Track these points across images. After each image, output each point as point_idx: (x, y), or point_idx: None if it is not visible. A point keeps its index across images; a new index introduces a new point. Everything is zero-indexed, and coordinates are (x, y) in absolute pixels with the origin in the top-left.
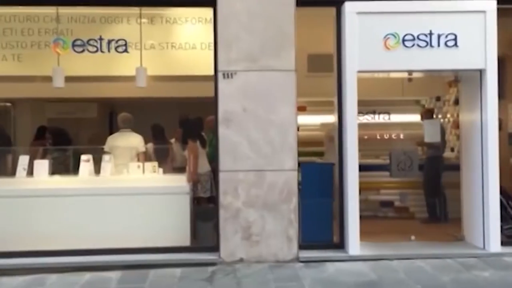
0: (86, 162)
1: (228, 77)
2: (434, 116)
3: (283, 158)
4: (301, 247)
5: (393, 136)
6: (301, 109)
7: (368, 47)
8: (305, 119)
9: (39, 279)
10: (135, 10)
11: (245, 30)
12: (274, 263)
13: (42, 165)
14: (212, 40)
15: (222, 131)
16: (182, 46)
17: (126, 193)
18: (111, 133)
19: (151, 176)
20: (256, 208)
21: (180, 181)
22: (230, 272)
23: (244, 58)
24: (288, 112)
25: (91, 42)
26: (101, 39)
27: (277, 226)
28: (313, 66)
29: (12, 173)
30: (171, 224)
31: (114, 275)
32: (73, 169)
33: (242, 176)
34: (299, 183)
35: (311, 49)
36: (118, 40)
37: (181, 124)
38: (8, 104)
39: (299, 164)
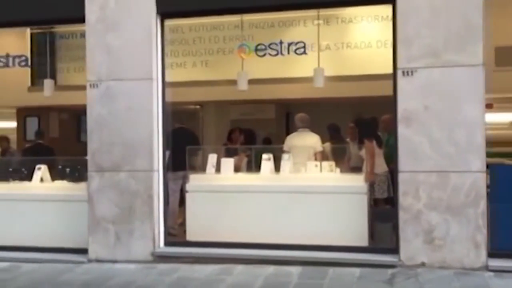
0: (267, 161)
1: (408, 74)
2: None
3: (469, 159)
4: (490, 255)
5: None
6: (488, 106)
7: None
8: (491, 117)
9: (227, 269)
10: (312, 12)
11: (427, 25)
12: (459, 270)
13: (228, 163)
14: (389, 38)
15: (401, 130)
16: (357, 45)
17: (305, 191)
18: (287, 133)
19: (329, 175)
20: (439, 211)
21: (357, 181)
22: (411, 276)
23: (426, 54)
24: (476, 109)
25: (272, 46)
26: (281, 42)
27: (463, 231)
28: (501, 59)
29: (202, 170)
30: (348, 223)
31: (294, 270)
32: (255, 167)
33: (423, 177)
34: (487, 186)
35: (499, 42)
36: (297, 42)
37: (356, 123)
38: (197, 106)
39: (487, 165)
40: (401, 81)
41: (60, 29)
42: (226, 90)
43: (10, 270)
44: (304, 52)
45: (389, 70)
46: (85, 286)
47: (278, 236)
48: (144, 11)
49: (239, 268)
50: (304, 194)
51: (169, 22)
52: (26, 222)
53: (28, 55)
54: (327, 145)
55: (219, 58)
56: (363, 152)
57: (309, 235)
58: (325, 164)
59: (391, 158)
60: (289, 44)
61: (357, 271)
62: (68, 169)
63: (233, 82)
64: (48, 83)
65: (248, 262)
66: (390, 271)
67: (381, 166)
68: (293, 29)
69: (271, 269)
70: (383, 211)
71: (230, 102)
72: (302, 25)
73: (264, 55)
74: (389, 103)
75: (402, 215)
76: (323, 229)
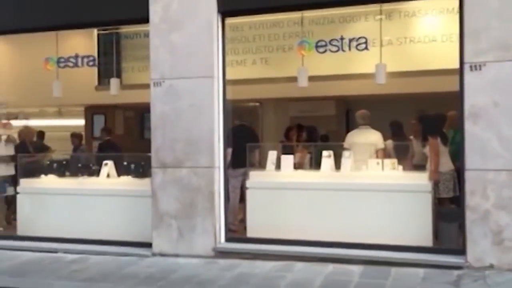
0: (327, 158)
1: (476, 69)
2: None
3: None
4: None
5: None
6: None
7: None
8: None
9: (287, 266)
10: (373, 7)
11: (497, 17)
12: None
13: (288, 160)
14: (455, 31)
15: (468, 127)
16: (421, 39)
17: (366, 189)
18: (347, 130)
19: (391, 173)
20: (509, 211)
21: (421, 179)
22: (478, 278)
23: (496, 48)
24: None
25: (333, 42)
26: (342, 38)
27: None
28: None
29: (262, 167)
30: (411, 222)
31: (356, 268)
32: (316, 164)
33: (492, 176)
34: None
35: None
36: (359, 38)
37: (420, 120)
38: (257, 104)
39: None
40: (468, 76)
41: (125, 29)
42: (286, 87)
43: (80, 261)
44: (366, 48)
45: (455, 64)
46: (149, 279)
47: (339, 234)
48: (206, 10)
49: (299, 265)
50: (365, 192)
51: (229, 21)
52: (94, 216)
53: (96, 55)
54: (389, 142)
55: (279, 55)
56: (427, 150)
57: (370, 233)
58: (387, 161)
59: (457, 156)
60: (350, 40)
61: (421, 271)
62: (133, 165)
63: (293, 79)
64: (114, 82)
65: (308, 259)
66: (456, 272)
67: (446, 164)
68: (354, 24)
69: (331, 267)
70: (449, 210)
71: (289, 99)
72: (363, 20)
73: (325, 51)
74: (455, 99)
75: (469, 215)
76: (385, 228)
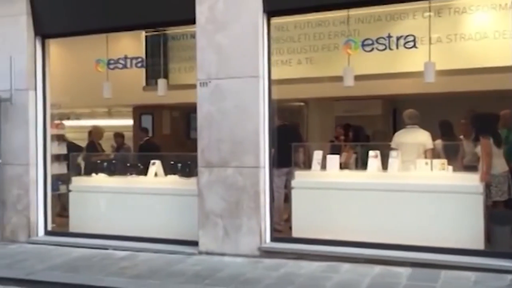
0: (374, 158)
1: None
2: None
3: None
4: None
5: None
6: None
7: None
8: None
9: (333, 266)
10: (422, 4)
11: None
12: None
13: (334, 160)
14: (507, 28)
15: None
16: (472, 36)
17: (414, 190)
18: (394, 130)
19: (440, 173)
20: None
21: (471, 181)
22: None
23: None
24: None
25: (380, 40)
26: (389, 36)
27: None
28: None
29: (307, 166)
30: (462, 225)
31: (403, 270)
32: (362, 164)
33: None
34: None
35: None
36: (407, 36)
37: (471, 119)
38: (302, 103)
39: None
40: None
41: (172, 31)
42: (331, 86)
43: (129, 258)
44: (414, 46)
45: (508, 62)
46: (196, 277)
47: (386, 235)
48: (251, 10)
49: (346, 266)
50: (413, 193)
51: (275, 20)
52: (142, 214)
53: (143, 56)
54: (438, 142)
55: (324, 55)
56: (478, 150)
57: (418, 235)
58: (436, 162)
59: None
60: (398, 38)
61: (471, 275)
62: (179, 165)
63: (338, 79)
64: (161, 82)
65: (355, 260)
66: (509, 277)
67: (500, 166)
68: (401, 22)
69: (378, 269)
70: (502, 213)
71: (334, 99)
72: (411, 18)
73: (371, 50)
74: (508, 97)
75: None
76: (434, 230)
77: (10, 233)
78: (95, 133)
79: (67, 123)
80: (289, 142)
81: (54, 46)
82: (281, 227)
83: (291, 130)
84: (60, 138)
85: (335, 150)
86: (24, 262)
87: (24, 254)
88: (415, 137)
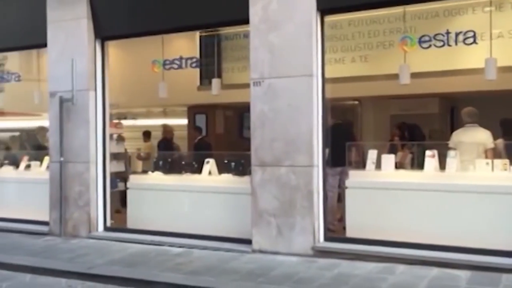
0: (431, 158)
1: None
2: None
3: None
4: None
5: None
6: None
7: None
8: None
9: (388, 268)
10: None
11: None
12: None
13: (389, 159)
14: None
15: None
16: None
17: (474, 191)
18: (452, 128)
19: (502, 174)
20: None
21: None
22: None
23: None
24: None
25: (437, 36)
26: (448, 32)
27: None
28: None
29: (360, 166)
30: None
31: (462, 274)
32: (418, 164)
33: None
34: None
35: None
36: (466, 32)
37: None
38: (355, 102)
39: None
40: None
41: (225, 31)
42: (386, 84)
43: (184, 255)
44: (474, 42)
45: None
46: (250, 274)
47: (443, 237)
48: (305, 9)
49: (401, 268)
50: (473, 194)
51: (328, 18)
52: (197, 211)
53: (198, 56)
54: (500, 141)
55: (379, 52)
56: None
57: (478, 238)
58: (498, 162)
59: None
60: (457, 34)
61: None
62: (233, 163)
63: (393, 77)
64: (216, 82)
65: (410, 262)
66: None
67: None
68: (460, 17)
69: (435, 271)
70: None
71: (389, 97)
72: (470, 13)
73: (429, 46)
74: None
75: None
76: (494, 232)
77: (71, 228)
78: (168, 131)
79: (124, 122)
80: (343, 141)
81: (113, 47)
82: (335, 227)
83: (345, 129)
84: (119, 137)
85: (390, 150)
86: (85, 257)
87: (85, 249)
88: (475, 136)
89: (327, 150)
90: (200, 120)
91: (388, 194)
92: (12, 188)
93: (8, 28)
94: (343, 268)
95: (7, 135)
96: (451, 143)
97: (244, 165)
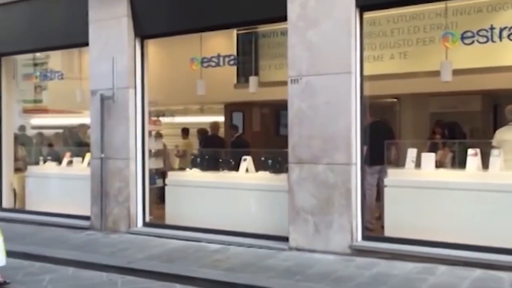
0: (473, 156)
1: None
2: None
3: None
4: None
5: None
6: None
7: None
8: None
9: (429, 268)
10: None
11: None
12: None
13: (429, 158)
14: None
15: None
16: None
17: None
18: (495, 127)
19: None
20: None
21: None
22: None
23: None
24: None
25: (481, 32)
26: (492, 28)
27: None
28: None
29: (401, 164)
30: None
31: (506, 275)
32: (460, 163)
33: None
34: None
35: None
36: (511, 27)
37: None
38: (394, 99)
39: None
40: None
41: (262, 28)
42: (426, 82)
43: (221, 251)
44: None
45: None
46: (287, 272)
47: (486, 237)
48: (343, 6)
49: (442, 268)
50: None
51: (367, 15)
52: (234, 208)
53: (235, 54)
54: None
55: (419, 49)
56: None
57: None
58: None
59: None
60: (501, 30)
61: None
62: (270, 161)
63: (434, 74)
64: (253, 80)
65: (451, 263)
66: None
67: None
68: (504, 13)
69: (477, 272)
70: None
71: (429, 95)
72: None
73: (472, 42)
74: None
75: None
76: None
77: (112, 223)
78: (216, 127)
79: (162, 119)
80: (382, 139)
81: (152, 46)
82: (373, 226)
83: (384, 127)
84: (158, 134)
85: (430, 148)
86: (125, 251)
87: (125, 243)
88: None
89: (365, 148)
90: (237, 118)
91: (428, 193)
92: (55, 183)
93: (51, 28)
94: (381, 267)
95: (50, 132)
96: (494, 142)
97: (281, 162)
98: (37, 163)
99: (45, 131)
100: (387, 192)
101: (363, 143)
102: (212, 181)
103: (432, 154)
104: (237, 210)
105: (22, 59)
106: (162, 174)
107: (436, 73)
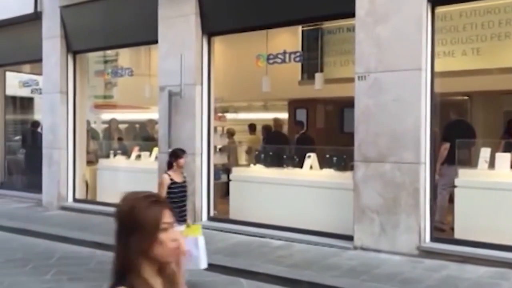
0: None
1: None
2: None
3: None
4: None
5: None
6: None
7: None
8: None
9: (501, 273)
10: None
11: None
12: None
13: (504, 158)
14: None
15: None
16: None
17: None
18: None
19: None
20: None
21: None
22: None
23: None
24: None
25: None
26: None
27: None
28: None
29: (474, 165)
30: None
31: None
32: None
33: None
34: None
35: None
36: None
37: None
38: (465, 97)
39: None
40: None
41: (328, 25)
42: (501, 79)
43: (285, 248)
44: None
45: None
46: (352, 271)
47: None
48: (414, 1)
49: None
50: None
51: (439, 10)
52: (298, 205)
53: (300, 50)
54: None
55: (493, 45)
56: None
57: None
58: None
59: None
60: None
61: None
62: (334, 158)
63: (509, 70)
64: (318, 76)
65: None
66: None
67: None
68: None
69: None
70: None
71: (503, 92)
72: None
73: None
74: None
75: None
76: None
77: None
78: (279, 123)
79: (227, 116)
80: (463, 138)
81: (218, 43)
82: (445, 227)
83: (465, 126)
84: (229, 131)
85: (504, 148)
86: None
87: None
88: None
89: (446, 146)
90: (301, 115)
91: (502, 195)
92: (124, 176)
93: (123, 26)
94: (451, 270)
95: (121, 126)
96: None
97: (346, 160)
98: (107, 156)
99: (113, 126)
100: (458, 193)
101: (433, 141)
102: (277, 178)
103: (507, 155)
104: (301, 207)
105: (94, 56)
106: (227, 170)
107: (511, 70)
